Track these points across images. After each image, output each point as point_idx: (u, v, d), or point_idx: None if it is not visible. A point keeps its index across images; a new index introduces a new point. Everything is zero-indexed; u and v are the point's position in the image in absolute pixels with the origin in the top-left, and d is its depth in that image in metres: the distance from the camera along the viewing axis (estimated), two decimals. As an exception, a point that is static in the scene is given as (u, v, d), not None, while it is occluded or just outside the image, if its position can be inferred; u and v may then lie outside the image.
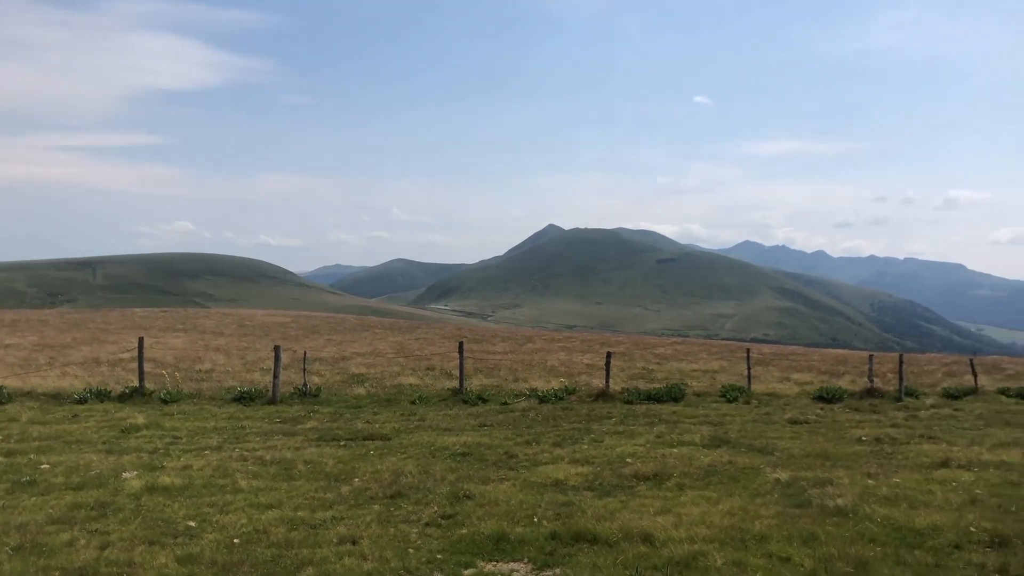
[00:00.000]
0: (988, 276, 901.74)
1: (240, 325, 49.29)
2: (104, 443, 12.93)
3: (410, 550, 7.59)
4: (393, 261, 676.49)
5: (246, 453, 12.18)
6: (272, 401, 17.94)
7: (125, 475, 10.53)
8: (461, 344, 20.49)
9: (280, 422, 15.47)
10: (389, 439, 13.63)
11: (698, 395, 20.40)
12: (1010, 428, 16.13)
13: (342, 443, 13.19)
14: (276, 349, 18.74)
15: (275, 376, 18.32)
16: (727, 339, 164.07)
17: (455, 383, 19.96)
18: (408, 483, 10.16)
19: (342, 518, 8.62)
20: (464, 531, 8.12)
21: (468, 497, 9.50)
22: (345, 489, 9.90)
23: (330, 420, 15.76)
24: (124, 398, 17.90)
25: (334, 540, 7.84)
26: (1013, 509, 9.16)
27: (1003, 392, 22.68)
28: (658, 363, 30.81)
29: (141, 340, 19.48)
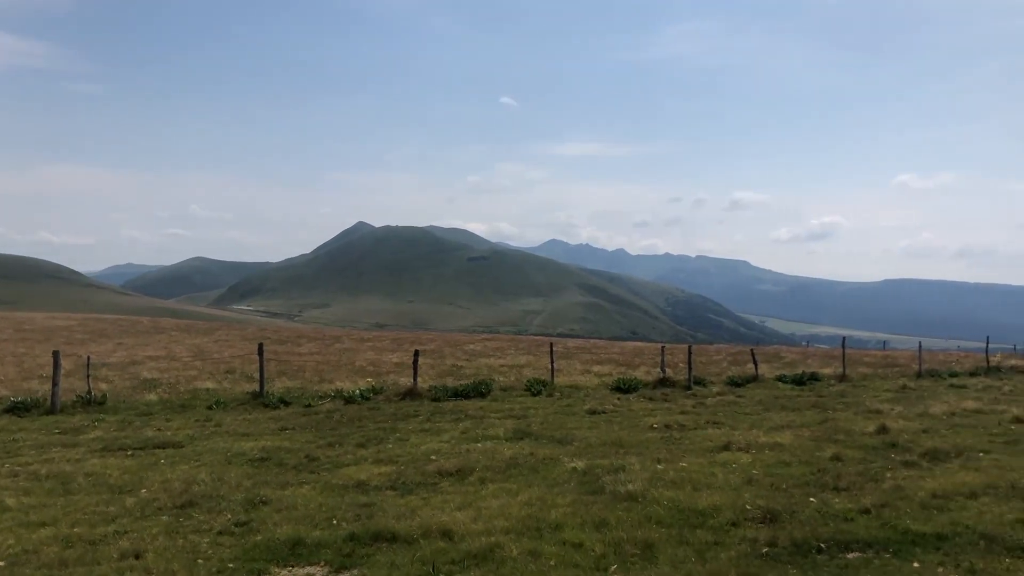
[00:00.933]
0: (770, 272, 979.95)
1: (17, 329, 45.35)
2: None
3: (200, 561, 7.23)
4: (191, 260, 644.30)
5: (17, 468, 11.18)
6: (51, 411, 16.59)
7: None
8: (261, 345, 19.80)
9: (59, 433, 14.33)
10: (182, 446, 12.95)
11: (504, 390, 20.76)
12: (785, 412, 17.51)
13: (129, 452, 12.40)
14: (55, 354, 17.34)
15: (54, 383, 16.94)
16: (536, 335, 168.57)
17: (256, 386, 19.26)
18: (200, 491, 9.67)
19: (125, 532, 8.08)
20: (259, 538, 7.83)
21: (264, 503, 9.18)
22: (130, 501, 9.29)
23: (117, 429, 14.78)
24: None
25: (115, 556, 7.33)
26: (784, 487, 9.94)
27: (780, 379, 24.64)
28: (468, 360, 31.15)
29: None
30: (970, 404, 18.06)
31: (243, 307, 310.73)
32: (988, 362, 31.48)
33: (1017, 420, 15.75)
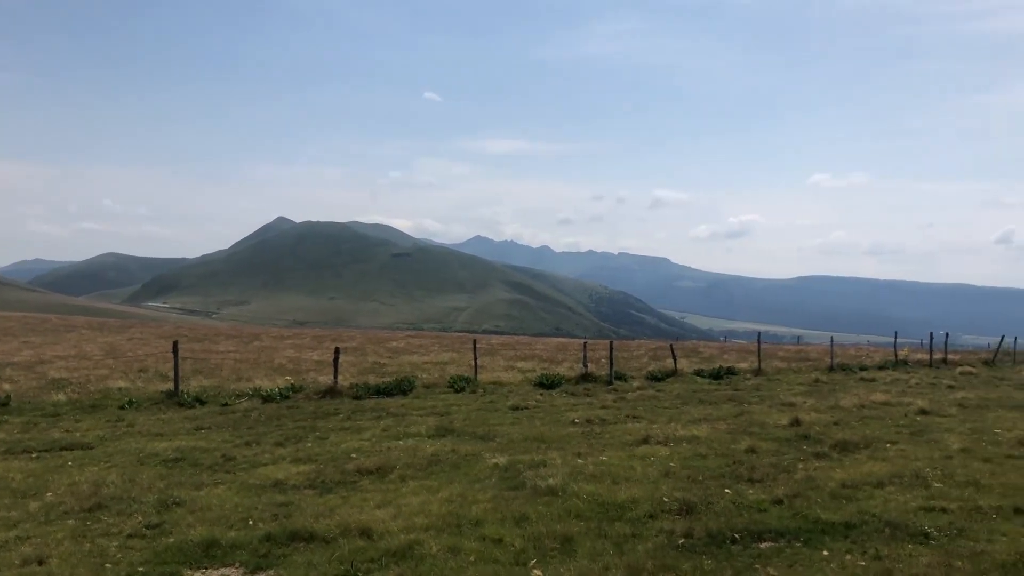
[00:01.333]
0: (689, 269, 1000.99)
1: (-86, 328, 43.20)
2: None
3: (107, 565, 6.99)
4: (104, 255, 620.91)
5: (-88, 474, 10.64)
6: (-50, 413, 15.85)
7: None
8: (176, 343, 19.27)
9: (-42, 436, 13.68)
10: (92, 448, 12.52)
11: (427, 387, 20.67)
12: (703, 406, 17.87)
13: (34, 455, 11.92)
14: (-45, 354, 16.58)
15: (-46, 384, 16.20)
16: (461, 331, 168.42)
17: (171, 385, 18.73)
18: (110, 493, 9.35)
19: (28, 537, 7.76)
20: (171, 540, 7.61)
21: (178, 504, 8.93)
22: (34, 505, 8.93)
23: (21, 431, 14.18)
24: None
25: (17, 562, 7.03)
26: (700, 479, 10.14)
27: (698, 373, 25.14)
28: (390, 357, 30.96)
29: None
30: (879, 397, 18.71)
31: (159, 304, 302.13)
32: (896, 356, 32.71)
33: (922, 412, 16.41)
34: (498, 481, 10.03)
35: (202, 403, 17.39)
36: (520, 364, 27.48)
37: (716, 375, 24.76)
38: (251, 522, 8.22)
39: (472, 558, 7.07)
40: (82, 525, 8.19)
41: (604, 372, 23.34)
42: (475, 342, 24.83)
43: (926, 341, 35.30)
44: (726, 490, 9.51)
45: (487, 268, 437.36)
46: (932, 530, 7.86)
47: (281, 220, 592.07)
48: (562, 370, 24.53)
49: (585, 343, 28.41)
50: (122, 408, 16.77)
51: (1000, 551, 7.21)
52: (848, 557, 7.15)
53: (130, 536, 7.81)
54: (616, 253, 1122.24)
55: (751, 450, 12.04)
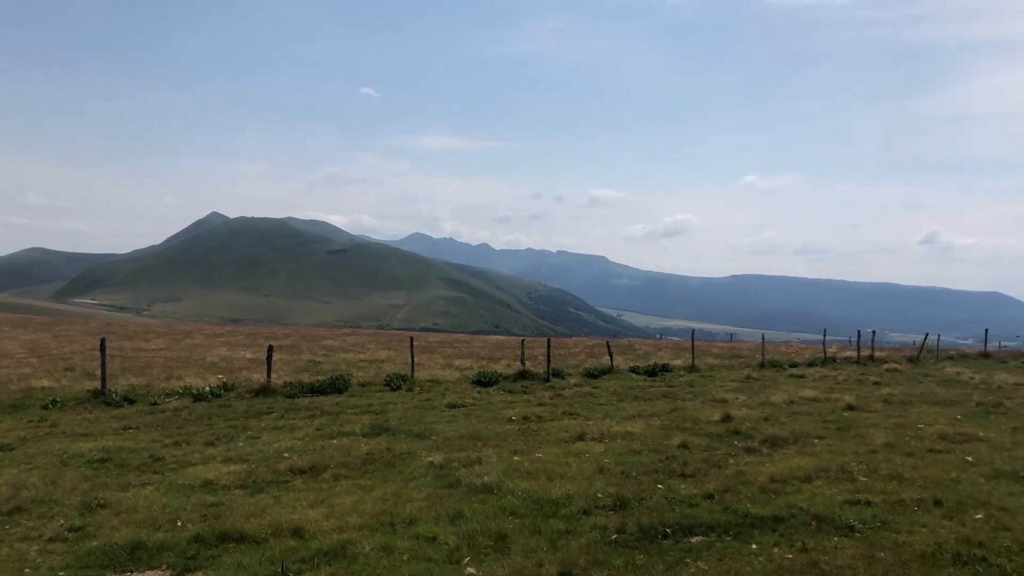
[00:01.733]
0: (626, 267, 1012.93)
1: None
2: None
3: (27, 570, 6.76)
4: (28, 250, 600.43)
5: None
6: None
7: None
8: (103, 340, 18.72)
9: None
10: (12, 449, 12.09)
11: (363, 385, 20.47)
12: (637, 402, 18.07)
13: (-50, 458, 11.47)
14: None
15: None
16: (399, 329, 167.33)
17: (97, 384, 18.20)
18: (31, 496, 9.04)
19: (-57, 543, 7.47)
20: (95, 543, 7.39)
21: (103, 506, 8.68)
22: (-51, 510, 8.59)
23: (-64, 432, 13.63)
24: None
25: (-70, 569, 6.76)
26: (634, 474, 10.24)
27: (634, 370, 25.41)
28: (326, 355, 30.62)
29: None
30: (808, 393, 19.15)
31: (86, 301, 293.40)
32: (825, 353, 33.54)
33: (849, 407, 16.85)
34: (433, 479, 9.99)
35: (131, 402, 16.95)
36: (458, 362, 27.42)
37: (651, 372, 25.06)
38: (179, 523, 8.04)
39: (405, 557, 7.03)
40: (0, 529, 7.91)
41: (542, 369, 23.43)
42: (412, 340, 24.73)
43: (854, 339, 36.28)
44: (659, 485, 9.63)
45: (425, 265, 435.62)
46: (857, 523, 8.07)
47: (214, 215, 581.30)
48: (500, 368, 24.55)
49: (523, 341, 28.50)
50: (45, 408, 16.24)
51: (920, 542, 7.44)
52: (776, 550, 7.30)
53: (51, 540, 7.57)
54: (554, 251, 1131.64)
55: (683, 446, 12.20)
